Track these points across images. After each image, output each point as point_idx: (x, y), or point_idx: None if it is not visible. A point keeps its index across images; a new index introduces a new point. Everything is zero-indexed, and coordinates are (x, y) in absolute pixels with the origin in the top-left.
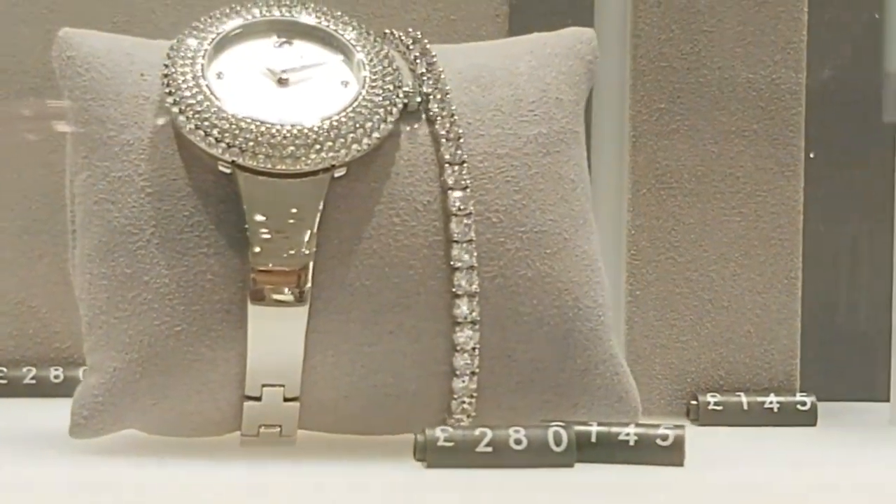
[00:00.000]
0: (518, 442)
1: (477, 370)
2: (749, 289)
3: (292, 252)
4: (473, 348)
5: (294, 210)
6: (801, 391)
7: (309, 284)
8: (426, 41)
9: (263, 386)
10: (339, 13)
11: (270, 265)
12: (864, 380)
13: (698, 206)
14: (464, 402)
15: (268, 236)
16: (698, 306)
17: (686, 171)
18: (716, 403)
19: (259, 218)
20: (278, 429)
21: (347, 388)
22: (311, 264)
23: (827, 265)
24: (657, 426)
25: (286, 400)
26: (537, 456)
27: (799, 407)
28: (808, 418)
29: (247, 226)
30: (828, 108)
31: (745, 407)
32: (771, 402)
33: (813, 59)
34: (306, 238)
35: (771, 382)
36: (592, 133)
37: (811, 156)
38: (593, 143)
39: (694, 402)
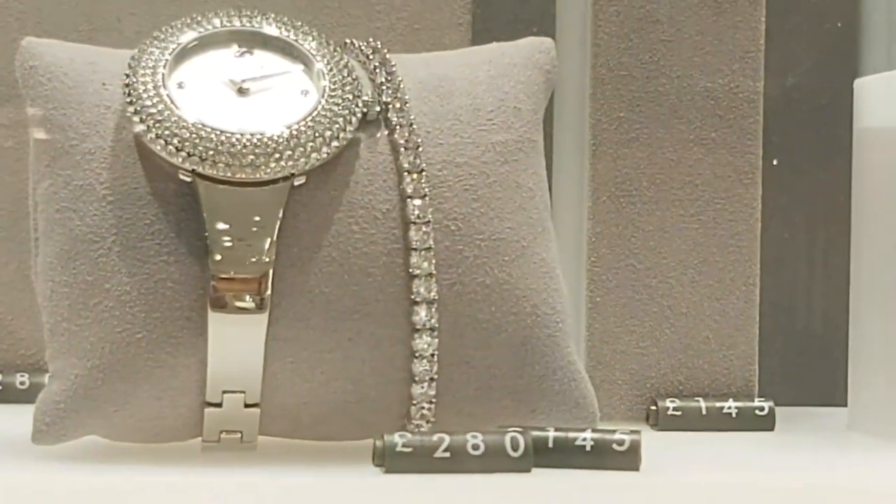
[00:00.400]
0: (475, 447)
1: (436, 376)
2: (708, 295)
3: (253, 260)
4: (432, 354)
5: (257, 218)
6: (760, 396)
7: (269, 292)
8: (386, 51)
9: (224, 392)
10: (299, 23)
11: (232, 273)
12: (822, 385)
13: (657, 214)
14: (423, 407)
15: (230, 244)
16: (658, 313)
17: (645, 179)
18: (675, 409)
19: (221, 226)
20: (239, 435)
21: (307, 394)
22: (270, 272)
23: (785, 271)
24: (613, 431)
25: (247, 406)
26: (495, 461)
27: (757, 412)
28: (766, 423)
29: (207, 234)
30: (787, 115)
31: (704, 412)
32: (729, 408)
33: (774, 67)
34: (266, 246)
35: (729, 388)
36: (554, 141)
37: (774, 162)
38: (554, 152)
39: (653, 408)
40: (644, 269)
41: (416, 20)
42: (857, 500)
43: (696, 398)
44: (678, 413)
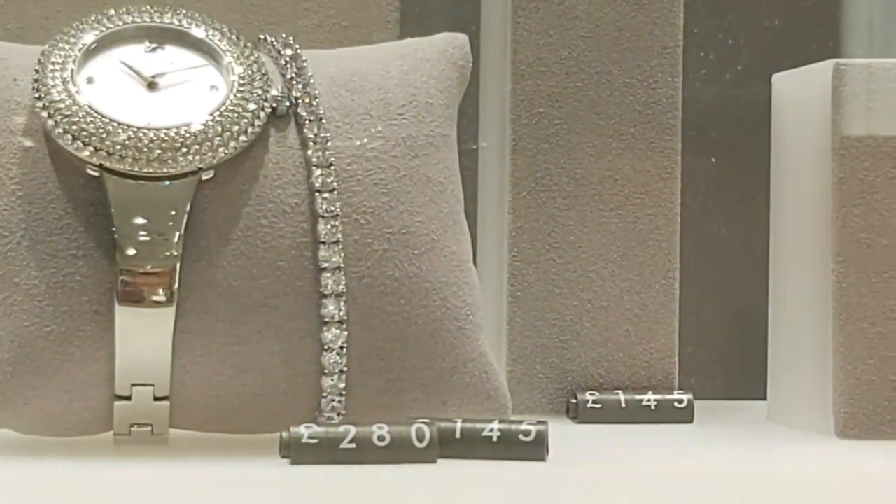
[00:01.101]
0: (381, 438)
1: (345, 369)
2: (628, 289)
3: (166, 254)
4: (341, 347)
5: (172, 212)
6: (679, 389)
7: (176, 285)
8: (297, 46)
9: (133, 385)
10: (210, 20)
11: (148, 267)
12: (741, 379)
13: (577, 209)
14: (333, 400)
15: (146, 238)
16: (578, 306)
17: (565, 174)
18: (594, 401)
19: (137, 220)
20: (150, 428)
21: (217, 387)
22: (178, 265)
23: (708, 266)
24: (520, 422)
25: (156, 399)
26: (400, 452)
27: (676, 405)
28: (685, 415)
29: (115, 228)
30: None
31: (624, 405)
32: (648, 400)
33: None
34: (175, 239)
35: (649, 381)
36: (479, 137)
37: (713, 160)
38: (479, 148)
39: (574, 401)
40: (564, 264)
41: (343, 18)
42: (774, 490)
43: (616, 391)
44: (598, 406)
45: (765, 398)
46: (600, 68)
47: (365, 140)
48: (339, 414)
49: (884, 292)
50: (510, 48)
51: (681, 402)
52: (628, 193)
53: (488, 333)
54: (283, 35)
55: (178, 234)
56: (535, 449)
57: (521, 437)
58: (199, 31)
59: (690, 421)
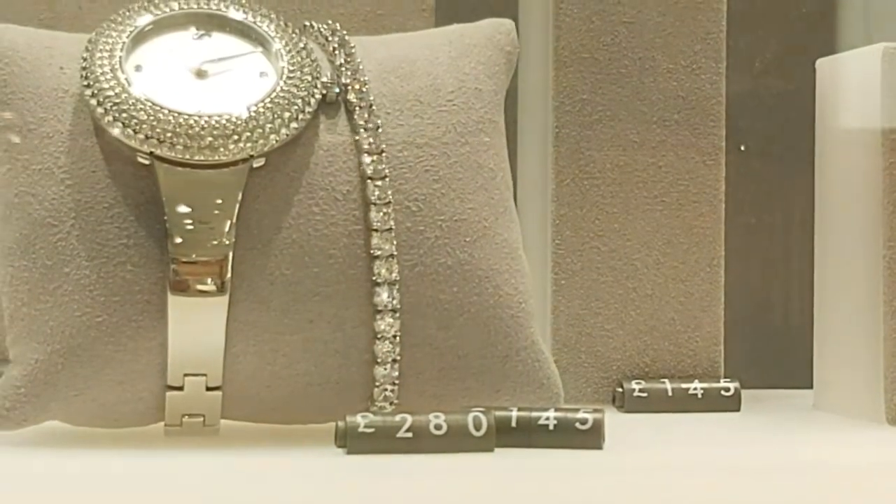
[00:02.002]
0: (438, 427)
1: (398, 358)
2: (672, 277)
3: (214, 243)
4: (394, 336)
5: (218, 201)
6: (726, 377)
7: (229, 275)
8: (345, 32)
9: (185, 375)
10: (257, 6)
11: (192, 256)
12: (787, 368)
13: (621, 196)
14: (386, 389)
15: (191, 227)
16: (623, 295)
17: (609, 161)
18: (640, 390)
19: (181, 209)
20: (202, 418)
21: (269, 377)
22: (230, 254)
23: (752, 255)
24: (577, 410)
25: (208, 389)
26: (457, 441)
27: (723, 393)
28: (732, 404)
29: (166, 217)
30: (755, 102)
31: (670, 393)
32: (695, 389)
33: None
34: (226, 228)
35: (695, 369)
36: (518, 124)
37: (742, 148)
38: (519, 134)
39: (619, 390)
40: (608, 252)
41: (379, 6)
42: (824, 476)
43: (662, 380)
44: (644, 395)
45: (811, 387)
46: (643, 54)
47: (416, 126)
48: (391, 403)
49: None
50: (552, 34)
51: (728, 390)
52: (672, 181)
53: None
54: (329, 21)
55: (228, 222)
56: (592, 437)
57: (577, 425)
58: (246, 18)
59: (738, 409)
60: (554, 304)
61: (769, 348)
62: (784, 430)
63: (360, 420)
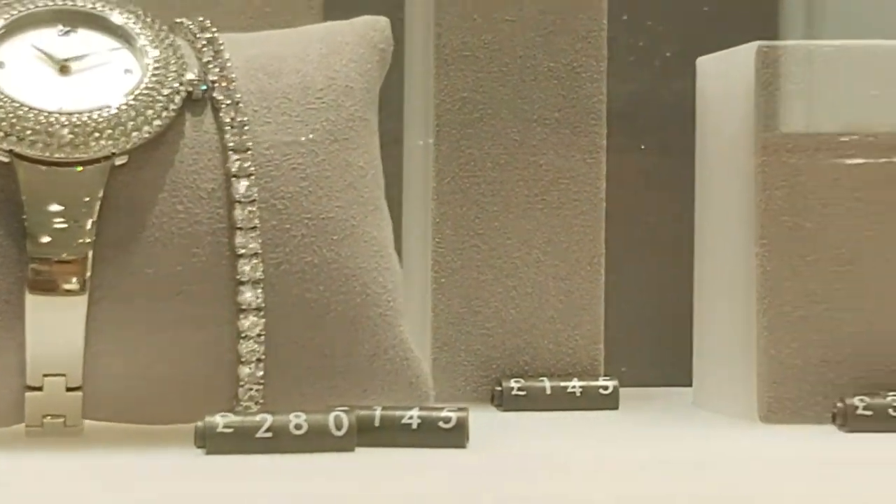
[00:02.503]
0: (298, 427)
1: (263, 357)
2: (553, 275)
3: (75, 241)
4: (259, 335)
5: (79, 199)
6: (605, 376)
7: (89, 273)
8: (215, 30)
9: (45, 376)
10: (124, 3)
11: (52, 255)
12: (667, 365)
13: (502, 195)
14: (251, 389)
15: (51, 226)
16: (503, 293)
17: (489, 160)
18: (519, 389)
19: (41, 208)
20: (62, 419)
21: (132, 377)
22: (90, 253)
23: (631, 250)
24: (440, 409)
25: (69, 390)
26: (318, 440)
27: (601, 391)
28: (611, 402)
29: (25, 216)
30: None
31: (548, 392)
32: (573, 387)
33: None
34: (88, 226)
35: (575, 368)
36: (404, 122)
37: (642, 147)
38: (404, 134)
39: (498, 388)
40: (489, 250)
41: (266, 2)
42: (695, 474)
43: (541, 378)
44: (522, 393)
45: (691, 385)
46: (524, 52)
47: (283, 124)
48: (257, 403)
49: (807, 276)
50: (433, 32)
51: (606, 388)
52: (553, 179)
53: (413, 321)
54: (201, 18)
55: (90, 220)
56: (455, 436)
57: (440, 423)
58: (113, 15)
59: (616, 407)
60: (434, 303)
61: (652, 345)
62: (659, 428)
63: (219, 420)
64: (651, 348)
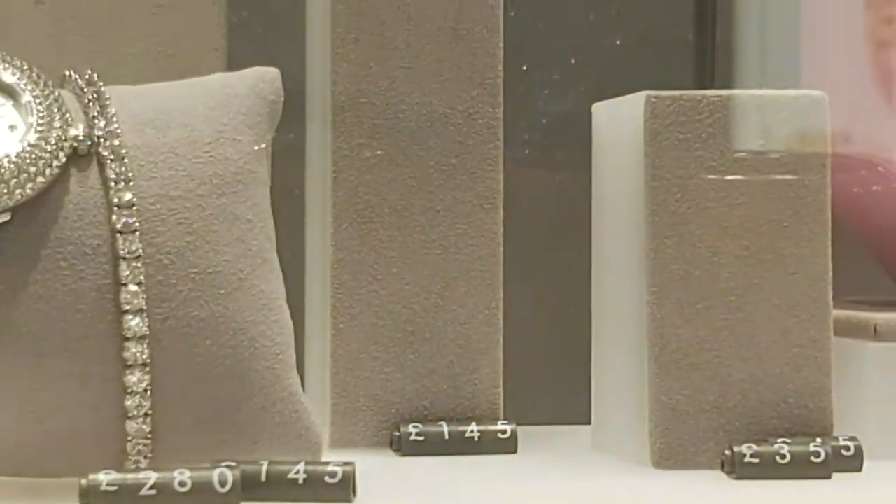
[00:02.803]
0: (182, 484)
1: (150, 412)
2: (451, 320)
3: None
4: (145, 390)
5: None
6: (504, 419)
7: None
8: (101, 84)
9: None
10: (9, 56)
11: None
12: (569, 403)
13: (399, 240)
14: (139, 444)
15: None
16: (401, 338)
17: (387, 205)
18: (417, 433)
19: None
20: None
21: (19, 433)
22: None
23: (529, 294)
24: (327, 463)
25: None
26: (202, 497)
27: (500, 435)
28: (509, 445)
29: None
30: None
31: (447, 436)
32: (472, 431)
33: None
34: None
35: (474, 412)
36: (306, 170)
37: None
38: (306, 180)
39: (396, 433)
40: (387, 295)
41: (170, 46)
42: None
43: (440, 423)
44: (420, 438)
45: (589, 423)
46: (420, 99)
47: (170, 178)
48: (146, 457)
49: (696, 323)
50: (329, 79)
51: (504, 432)
52: (450, 224)
53: (313, 367)
54: (89, 72)
55: None
56: (342, 490)
57: (326, 478)
58: None
59: (514, 451)
60: (333, 348)
61: (554, 384)
62: (556, 472)
63: (103, 478)
64: (553, 387)
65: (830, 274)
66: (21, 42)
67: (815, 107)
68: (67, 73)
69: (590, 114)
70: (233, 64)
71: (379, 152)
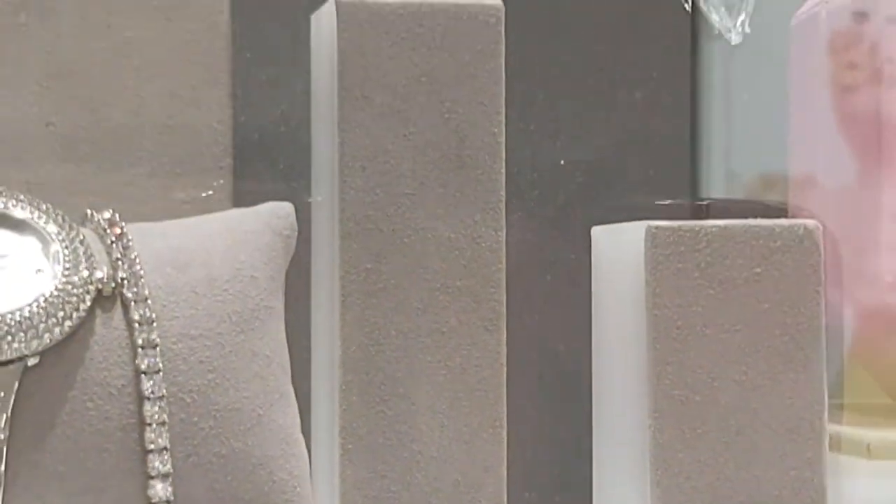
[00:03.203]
0: None
1: None
2: (456, 439)
3: None
4: None
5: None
6: None
7: (2, 468)
8: (123, 224)
9: None
10: (35, 200)
11: None
12: None
13: (406, 361)
14: None
15: None
16: (408, 458)
17: (394, 328)
18: None
19: None
20: None
21: None
22: (4, 449)
23: (531, 411)
24: None
25: None
26: None
27: None
28: None
29: None
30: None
31: None
32: None
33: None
34: (1, 423)
35: None
36: (311, 294)
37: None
38: (312, 304)
39: None
40: (394, 416)
41: (177, 165)
42: None
43: None
44: None
45: None
46: (426, 224)
47: (191, 318)
48: None
49: (698, 447)
50: (338, 206)
51: None
52: (455, 345)
53: (321, 487)
54: (111, 212)
55: (4, 416)
56: None
57: None
58: (21, 213)
59: None
60: (341, 469)
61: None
62: None
63: None
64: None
65: (826, 398)
66: (33, 162)
67: (809, 236)
68: (89, 212)
69: (589, 237)
70: (238, 184)
71: (385, 277)
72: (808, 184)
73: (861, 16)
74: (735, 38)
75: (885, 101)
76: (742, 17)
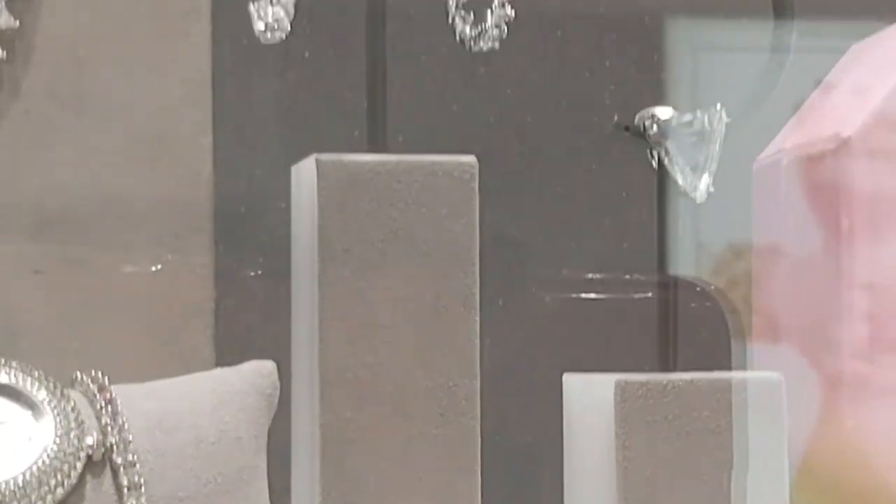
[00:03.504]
0: None
1: None
2: None
3: None
4: None
5: None
6: None
7: None
8: (112, 390)
9: None
10: (25, 366)
11: None
12: None
13: None
14: None
15: None
16: None
17: (373, 475)
18: None
19: None
20: None
21: None
22: None
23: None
24: None
25: None
26: None
27: None
28: None
29: None
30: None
31: None
32: None
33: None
34: None
35: None
36: (292, 441)
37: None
38: (292, 451)
39: None
40: None
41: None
42: None
43: None
44: None
45: None
46: (403, 373)
47: (178, 480)
48: None
49: None
50: (318, 357)
51: None
52: (432, 492)
53: None
54: (99, 374)
55: None
56: None
57: None
58: (10, 380)
59: None
60: None
61: None
62: None
63: None
64: None
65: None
66: (22, 312)
67: (771, 388)
68: (76, 375)
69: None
70: (219, 347)
71: (365, 425)
72: (772, 253)
73: (828, 86)
74: (700, 198)
75: (849, 171)
76: (706, 178)
